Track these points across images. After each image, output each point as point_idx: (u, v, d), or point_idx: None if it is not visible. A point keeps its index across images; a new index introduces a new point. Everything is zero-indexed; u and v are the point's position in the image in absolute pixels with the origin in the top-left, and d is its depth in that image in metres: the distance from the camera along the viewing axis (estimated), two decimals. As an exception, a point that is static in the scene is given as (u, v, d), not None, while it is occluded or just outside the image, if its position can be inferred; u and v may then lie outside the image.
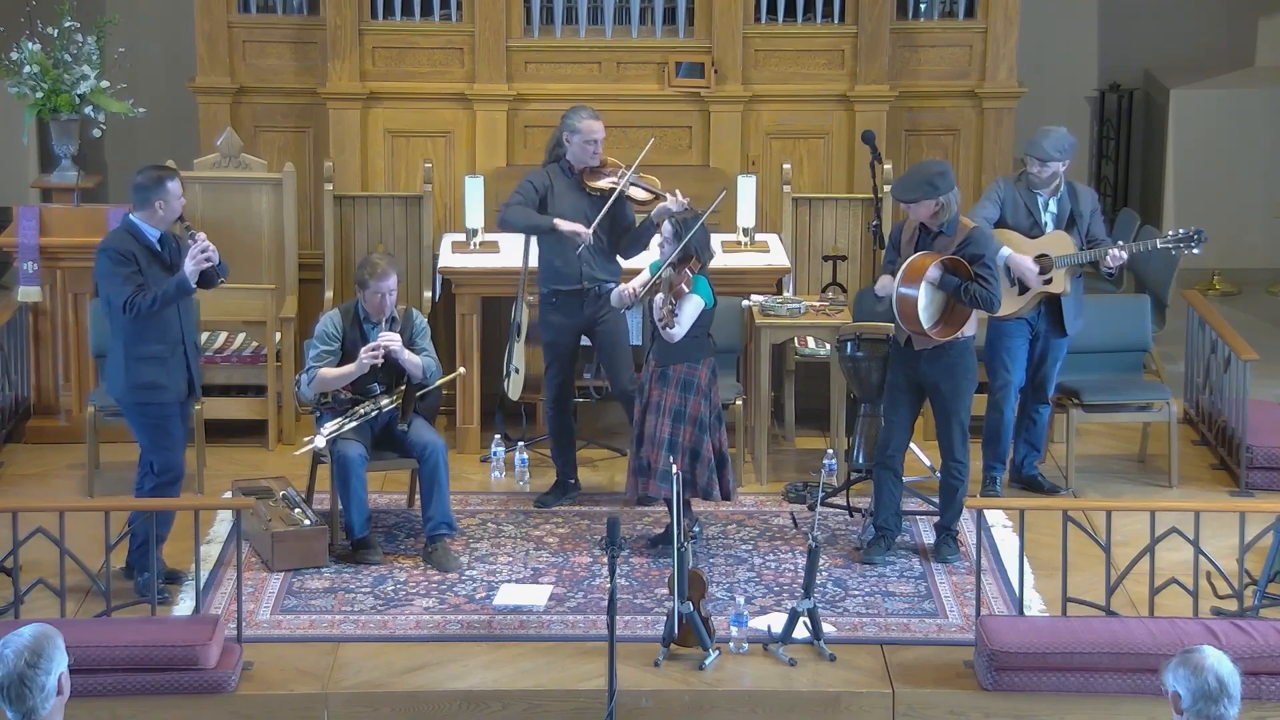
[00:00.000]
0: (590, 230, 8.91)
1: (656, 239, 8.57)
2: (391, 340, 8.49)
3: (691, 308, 8.36)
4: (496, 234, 10.09)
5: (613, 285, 8.99)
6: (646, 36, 11.01)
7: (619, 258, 9.14)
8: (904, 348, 8.53)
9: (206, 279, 8.16)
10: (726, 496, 8.59)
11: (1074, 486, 9.46)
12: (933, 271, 8.28)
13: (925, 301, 8.30)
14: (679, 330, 8.32)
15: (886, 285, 8.43)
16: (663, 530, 8.64)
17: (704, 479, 8.47)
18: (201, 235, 8.03)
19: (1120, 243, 9.28)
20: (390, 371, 8.60)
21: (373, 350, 8.44)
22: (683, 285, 8.31)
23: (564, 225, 8.95)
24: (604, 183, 9.01)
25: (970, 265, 8.32)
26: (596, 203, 9.00)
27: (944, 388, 8.49)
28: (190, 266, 7.95)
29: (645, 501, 8.77)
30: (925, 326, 8.31)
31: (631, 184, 8.99)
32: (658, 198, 8.99)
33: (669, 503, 8.43)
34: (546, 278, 9.08)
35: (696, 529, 8.67)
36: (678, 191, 8.88)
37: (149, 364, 8.05)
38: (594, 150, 8.99)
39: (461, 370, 9.44)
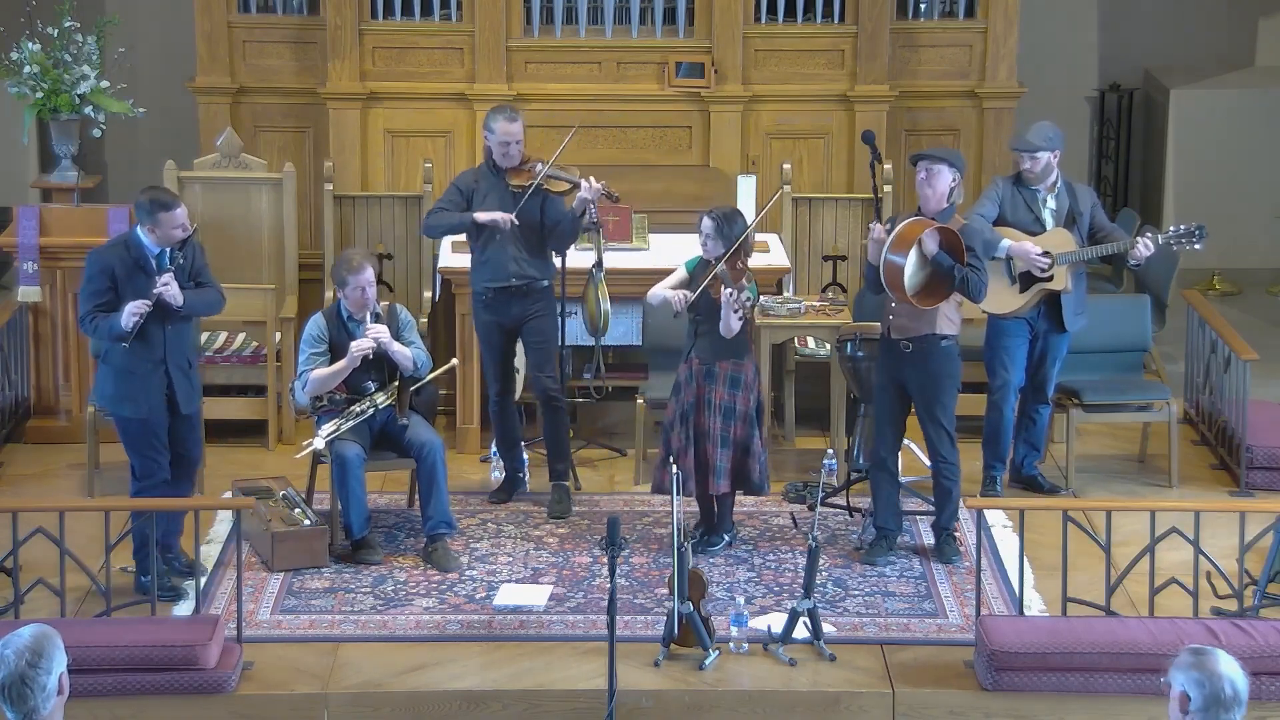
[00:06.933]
0: (512, 215, 8.89)
1: (698, 238, 8.51)
2: (380, 332, 8.49)
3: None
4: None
5: (545, 283, 9.05)
6: (646, 36, 11.02)
7: (553, 255, 9.15)
8: (889, 349, 8.52)
9: (187, 306, 8.14)
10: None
11: (1074, 486, 9.45)
12: (929, 242, 8.26)
13: (911, 270, 8.30)
14: (738, 324, 8.35)
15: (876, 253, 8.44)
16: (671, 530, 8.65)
17: (756, 474, 8.53)
18: (167, 276, 7.94)
19: (1148, 231, 9.27)
20: (383, 367, 8.60)
21: (361, 344, 8.44)
22: (743, 279, 8.31)
23: (482, 216, 8.96)
24: (524, 179, 9.02)
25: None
26: (519, 198, 9.00)
27: (926, 389, 8.48)
28: (126, 314, 7.94)
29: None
30: (908, 294, 8.31)
31: (549, 175, 8.99)
32: (575, 186, 8.98)
33: (718, 500, 8.56)
34: (478, 275, 9.09)
35: (728, 538, 8.69)
36: (591, 178, 8.90)
37: (119, 376, 8.08)
38: (508, 152, 8.99)
39: (454, 362, 9.44)
